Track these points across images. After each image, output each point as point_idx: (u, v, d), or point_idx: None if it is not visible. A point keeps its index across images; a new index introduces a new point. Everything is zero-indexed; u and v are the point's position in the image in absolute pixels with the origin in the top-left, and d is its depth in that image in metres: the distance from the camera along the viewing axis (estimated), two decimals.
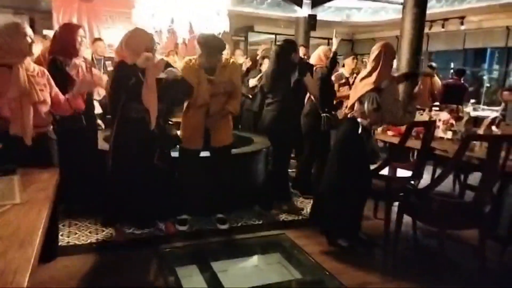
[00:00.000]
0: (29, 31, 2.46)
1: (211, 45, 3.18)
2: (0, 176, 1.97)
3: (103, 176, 3.03)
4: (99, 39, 5.78)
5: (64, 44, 3.05)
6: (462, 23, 8.93)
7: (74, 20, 7.18)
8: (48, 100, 2.54)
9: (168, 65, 3.05)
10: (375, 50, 2.86)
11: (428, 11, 5.46)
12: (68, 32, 3.11)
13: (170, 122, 3.14)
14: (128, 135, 2.92)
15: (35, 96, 2.40)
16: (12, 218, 1.51)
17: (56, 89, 2.65)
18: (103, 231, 3.20)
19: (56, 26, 7.11)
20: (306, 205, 3.99)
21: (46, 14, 8.75)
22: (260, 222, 3.56)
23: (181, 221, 3.33)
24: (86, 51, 3.85)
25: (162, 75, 2.91)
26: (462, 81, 7.15)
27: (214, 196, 3.43)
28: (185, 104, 3.25)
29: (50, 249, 2.61)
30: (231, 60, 3.41)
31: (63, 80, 2.93)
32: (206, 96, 3.18)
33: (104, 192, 3.04)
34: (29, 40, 2.43)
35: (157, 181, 3.04)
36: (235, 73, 3.39)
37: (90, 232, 3.17)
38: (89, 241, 3.04)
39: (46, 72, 2.62)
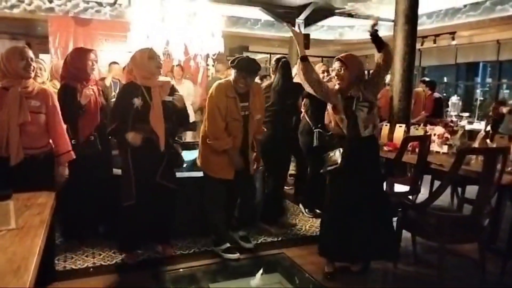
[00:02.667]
0: (27, 54, 2.49)
1: (249, 69, 2.99)
2: None
3: (115, 201, 3.00)
4: (115, 62, 5.87)
5: (76, 69, 3.04)
6: (453, 38, 9.07)
7: (70, 44, 7.25)
8: (41, 121, 2.54)
9: (173, 88, 3.04)
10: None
11: (419, 28, 5.55)
12: (79, 57, 3.07)
13: (177, 141, 3.16)
14: (140, 157, 2.87)
15: (21, 117, 2.42)
16: (8, 243, 1.50)
17: (58, 118, 2.65)
18: (100, 255, 3.16)
19: (53, 50, 7.20)
20: (304, 223, 3.98)
21: (42, 39, 8.84)
22: (259, 242, 3.53)
23: (227, 249, 3.23)
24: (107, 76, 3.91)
25: (168, 98, 2.93)
26: (435, 93, 7.23)
27: (233, 214, 3.42)
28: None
29: (47, 273, 2.56)
30: (255, 83, 3.25)
31: (73, 108, 2.95)
32: (240, 129, 3.07)
33: (119, 218, 3.01)
34: (27, 63, 2.47)
35: (164, 201, 3.02)
36: (262, 97, 3.30)
37: (86, 256, 3.13)
38: (86, 265, 3.00)
39: (50, 94, 2.62)
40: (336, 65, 2.82)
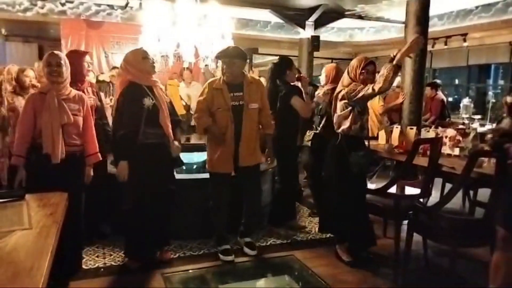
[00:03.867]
0: (52, 59, 2.61)
1: (231, 54, 3.10)
2: (10, 202, 1.99)
3: (114, 201, 3.03)
4: (117, 67, 5.99)
5: (72, 71, 3.12)
6: (465, 40, 8.98)
7: (82, 47, 7.33)
8: (80, 123, 2.70)
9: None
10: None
11: (430, 29, 5.51)
12: (75, 59, 3.16)
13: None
14: (148, 163, 2.84)
15: (64, 118, 2.59)
16: (21, 243, 1.52)
17: (91, 121, 2.83)
18: (111, 255, 3.19)
19: (65, 53, 7.28)
20: (314, 225, 3.97)
21: (54, 42, 8.97)
22: (268, 244, 3.53)
23: (224, 251, 3.21)
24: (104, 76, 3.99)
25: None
26: (438, 94, 7.16)
27: (240, 218, 3.39)
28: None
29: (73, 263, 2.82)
30: (257, 78, 3.33)
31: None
32: (229, 119, 3.08)
33: (126, 226, 3.01)
34: (51, 69, 2.60)
35: (165, 204, 3.02)
36: (264, 91, 3.31)
37: (97, 257, 3.16)
38: (96, 265, 3.03)
39: (85, 99, 2.80)
40: (370, 68, 3.00)
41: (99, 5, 8.02)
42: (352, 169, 2.99)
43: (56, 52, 2.69)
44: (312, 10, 8.28)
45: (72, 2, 7.82)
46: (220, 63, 3.32)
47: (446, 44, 9.26)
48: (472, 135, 3.77)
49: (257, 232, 3.61)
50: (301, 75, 3.82)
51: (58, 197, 2.12)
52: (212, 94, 3.13)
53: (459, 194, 3.80)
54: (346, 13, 8.59)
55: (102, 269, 2.98)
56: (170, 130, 2.93)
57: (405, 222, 3.07)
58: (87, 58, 3.25)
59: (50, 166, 2.54)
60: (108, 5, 8.07)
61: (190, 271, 3.03)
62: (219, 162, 3.15)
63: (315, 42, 8.83)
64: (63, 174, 2.55)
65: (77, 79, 3.12)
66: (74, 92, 2.74)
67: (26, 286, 1.20)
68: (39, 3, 7.46)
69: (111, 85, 5.72)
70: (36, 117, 2.59)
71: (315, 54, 9.24)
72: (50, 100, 2.58)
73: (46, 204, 2.01)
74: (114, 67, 6.39)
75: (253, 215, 3.41)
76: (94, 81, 5.40)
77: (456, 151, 3.65)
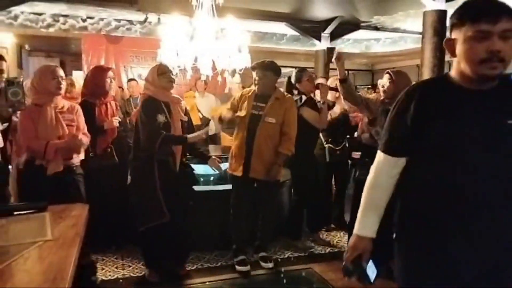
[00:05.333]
0: (58, 72, 2.64)
1: (264, 66, 3.23)
2: (33, 213, 2.03)
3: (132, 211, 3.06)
4: (133, 79, 6.15)
5: (95, 86, 3.21)
6: None
7: (102, 61, 7.51)
8: (74, 132, 2.74)
9: (186, 109, 3.11)
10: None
11: None
12: (98, 74, 3.27)
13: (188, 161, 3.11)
14: (151, 178, 2.85)
15: (60, 130, 2.63)
16: (45, 254, 1.55)
17: (83, 128, 2.85)
18: (129, 266, 3.21)
19: (85, 68, 7.47)
20: (332, 237, 3.93)
21: (75, 56, 9.20)
22: (285, 256, 3.50)
23: (241, 262, 3.22)
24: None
25: (184, 118, 3.00)
26: None
27: (256, 231, 3.40)
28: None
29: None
30: (288, 96, 3.32)
31: (91, 124, 3.10)
32: (244, 126, 3.18)
33: (141, 238, 3.02)
34: (59, 81, 2.64)
35: (181, 220, 2.96)
36: (291, 110, 3.25)
37: (116, 268, 3.19)
38: (116, 276, 3.06)
39: (77, 108, 2.84)
40: (384, 78, 3.01)
41: (118, 20, 8.21)
42: None
43: (57, 66, 2.79)
44: (328, 22, 8.31)
45: (92, 18, 8.02)
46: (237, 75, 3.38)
47: None
48: None
49: (274, 245, 3.59)
50: (320, 82, 3.82)
51: (79, 209, 2.16)
52: (241, 99, 3.28)
53: None
54: (362, 24, 8.58)
55: (121, 280, 3.01)
56: (179, 150, 2.90)
57: None
58: (110, 73, 3.34)
59: (45, 178, 2.59)
60: (127, 20, 8.25)
61: (207, 283, 3.02)
62: (233, 165, 3.24)
63: (331, 54, 8.84)
64: (60, 186, 2.58)
65: (100, 93, 3.20)
66: (67, 103, 2.83)
67: None
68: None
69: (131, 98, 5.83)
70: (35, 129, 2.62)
71: (331, 65, 9.24)
72: (47, 113, 2.63)
73: (68, 216, 2.05)
74: (130, 79, 6.53)
75: (267, 229, 3.40)
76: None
77: None
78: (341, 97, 3.18)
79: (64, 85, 2.73)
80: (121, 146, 3.33)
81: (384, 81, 3.00)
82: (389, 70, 3.02)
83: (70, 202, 2.29)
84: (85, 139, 2.87)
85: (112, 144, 3.30)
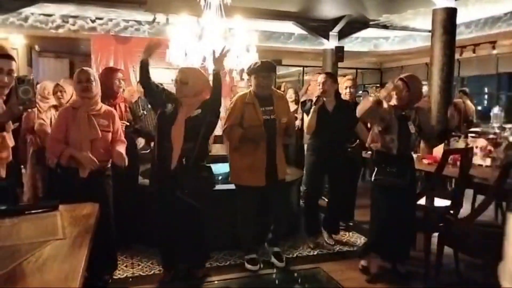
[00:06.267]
0: (82, 76, 2.69)
1: (268, 68, 3.16)
2: (44, 213, 2.05)
3: (143, 211, 3.09)
4: None
5: (104, 88, 3.23)
6: (494, 48, 8.78)
7: (111, 62, 7.56)
8: (108, 138, 2.76)
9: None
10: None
11: (457, 37, 5.42)
12: (108, 76, 3.29)
13: (202, 163, 2.93)
14: (154, 175, 2.96)
15: (93, 133, 2.66)
16: (56, 253, 1.56)
17: (119, 135, 2.85)
18: (139, 265, 3.23)
19: (95, 68, 7.54)
20: (340, 237, 3.92)
21: (85, 57, 9.29)
22: (294, 256, 3.50)
23: (251, 260, 3.23)
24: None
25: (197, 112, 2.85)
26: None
27: (268, 227, 3.39)
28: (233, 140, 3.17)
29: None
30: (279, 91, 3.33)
31: None
32: (262, 134, 3.08)
33: (158, 236, 3.05)
34: (82, 86, 2.67)
35: (191, 221, 2.92)
36: (287, 104, 3.39)
37: (126, 266, 3.21)
38: (125, 275, 3.08)
39: (115, 114, 2.87)
40: (398, 84, 2.89)
41: (127, 21, 8.27)
42: None
43: (85, 68, 2.77)
44: (336, 21, 8.29)
45: (101, 19, 8.09)
46: (245, 75, 3.35)
47: (474, 52, 9.07)
48: (504, 144, 3.67)
49: (283, 244, 3.59)
50: (309, 78, 3.82)
51: (90, 208, 2.18)
52: (244, 109, 3.13)
53: (492, 206, 3.68)
54: (371, 23, 8.54)
55: (130, 279, 3.03)
56: (178, 147, 2.81)
57: (435, 234, 3.00)
58: (119, 74, 3.36)
59: (77, 180, 2.62)
60: (136, 21, 8.31)
61: (216, 282, 3.03)
62: (250, 175, 3.13)
63: (339, 53, 8.81)
64: (90, 188, 2.59)
65: (109, 94, 3.22)
66: (104, 107, 2.81)
67: None
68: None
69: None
70: (67, 131, 2.66)
71: (340, 64, 9.21)
72: (80, 116, 2.66)
73: (79, 215, 2.06)
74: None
75: (282, 222, 3.41)
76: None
77: (488, 162, 3.55)
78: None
79: (94, 88, 2.71)
80: (131, 148, 3.33)
81: (398, 89, 2.88)
82: (403, 77, 2.90)
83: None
84: (122, 147, 2.82)
85: None
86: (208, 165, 2.98)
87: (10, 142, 2.35)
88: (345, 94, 3.88)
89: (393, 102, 2.91)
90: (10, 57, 2.16)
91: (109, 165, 2.83)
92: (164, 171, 2.82)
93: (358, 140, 3.95)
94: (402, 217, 2.94)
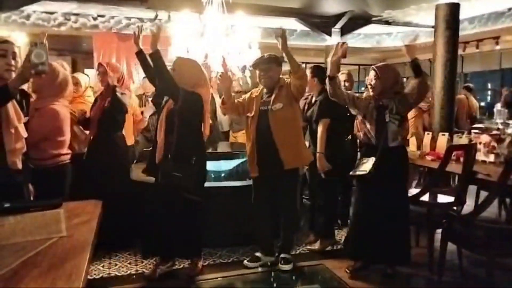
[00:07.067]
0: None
1: (266, 60, 3.21)
2: (48, 210, 2.06)
3: (138, 207, 3.12)
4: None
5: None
6: (497, 43, 8.72)
7: (113, 59, 7.56)
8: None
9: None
10: None
11: (460, 33, 5.40)
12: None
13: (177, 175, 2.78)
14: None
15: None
16: (59, 250, 1.57)
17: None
18: (142, 262, 3.24)
19: (97, 65, 7.53)
20: (344, 234, 3.91)
21: (87, 55, 9.28)
22: (297, 252, 3.50)
23: (253, 258, 3.23)
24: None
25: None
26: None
27: (279, 231, 3.31)
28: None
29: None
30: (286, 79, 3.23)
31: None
32: (254, 124, 3.11)
33: (142, 224, 3.09)
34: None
35: (187, 214, 2.92)
36: (288, 90, 3.14)
37: (130, 264, 3.22)
38: (129, 272, 3.09)
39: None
40: (370, 74, 2.95)
41: (129, 18, 8.25)
42: None
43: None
44: (338, 17, 8.24)
45: (103, 16, 8.08)
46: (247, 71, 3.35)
47: (477, 48, 9.02)
48: (508, 140, 3.65)
49: (289, 252, 3.52)
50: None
51: (93, 205, 2.18)
52: (250, 99, 3.24)
53: (495, 202, 3.67)
54: (373, 19, 8.50)
55: (134, 276, 3.04)
56: (161, 141, 2.90)
57: (439, 231, 2.99)
58: (101, 69, 3.58)
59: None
60: (138, 18, 8.29)
61: (219, 278, 3.04)
62: (250, 167, 3.21)
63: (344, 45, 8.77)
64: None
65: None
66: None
67: None
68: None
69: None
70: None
71: (342, 61, 9.17)
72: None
73: (82, 212, 2.07)
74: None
75: (292, 226, 3.31)
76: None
77: (491, 158, 3.54)
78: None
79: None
80: (120, 144, 3.50)
81: (370, 78, 2.93)
82: (374, 66, 2.95)
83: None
84: None
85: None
86: (194, 161, 2.82)
87: (24, 132, 2.33)
88: None
89: (370, 91, 2.98)
90: (10, 42, 2.15)
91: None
92: (154, 165, 2.90)
93: (350, 136, 3.94)
94: (384, 214, 2.83)
